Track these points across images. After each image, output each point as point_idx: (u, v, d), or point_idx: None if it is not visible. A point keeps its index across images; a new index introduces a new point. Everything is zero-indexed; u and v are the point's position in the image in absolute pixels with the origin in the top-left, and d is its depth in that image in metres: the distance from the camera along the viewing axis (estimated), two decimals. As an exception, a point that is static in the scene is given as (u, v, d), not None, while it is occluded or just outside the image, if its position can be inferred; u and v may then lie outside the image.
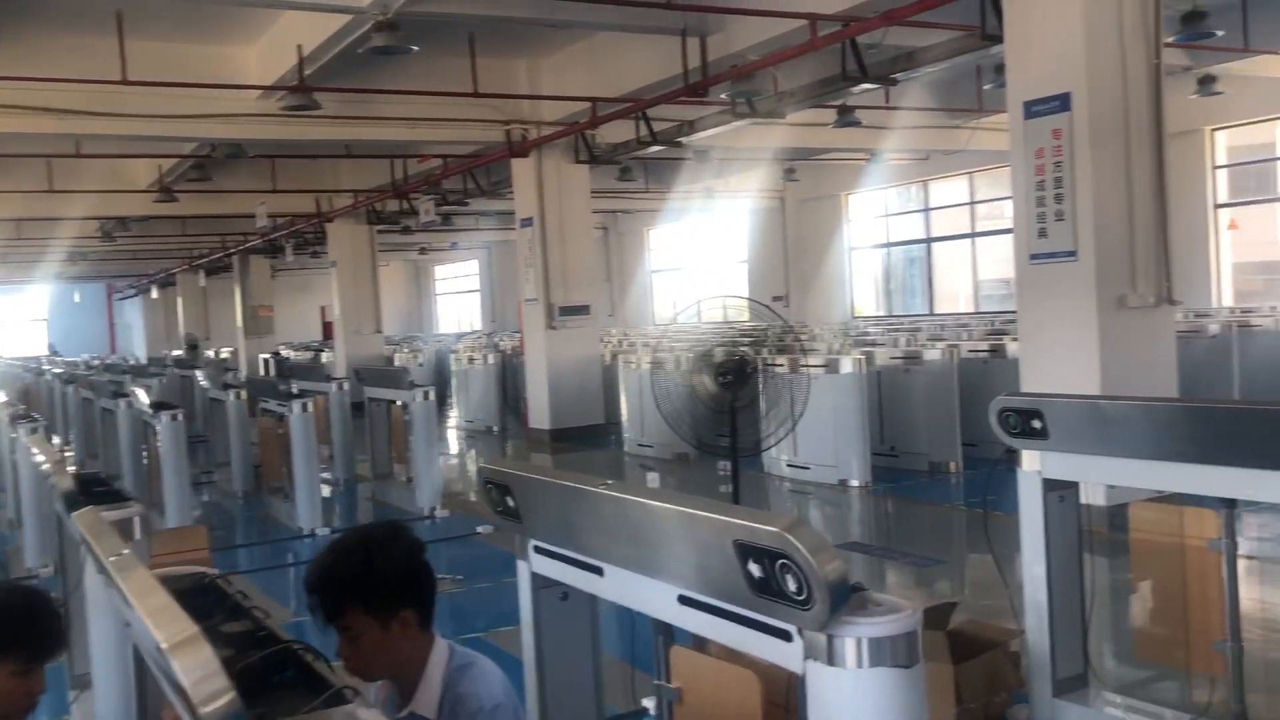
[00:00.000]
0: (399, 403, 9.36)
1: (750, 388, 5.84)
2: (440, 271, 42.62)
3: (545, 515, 2.75)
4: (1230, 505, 3.38)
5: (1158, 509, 3.60)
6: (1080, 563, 3.82)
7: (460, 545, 7.85)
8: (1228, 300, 16.96)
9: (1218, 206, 17.06)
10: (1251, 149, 17.38)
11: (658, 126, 12.33)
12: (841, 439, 9.20)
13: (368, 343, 19.80)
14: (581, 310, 13.42)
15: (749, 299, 7.55)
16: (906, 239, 23.60)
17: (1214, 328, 11.35)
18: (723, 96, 10.50)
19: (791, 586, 1.89)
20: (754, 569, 1.97)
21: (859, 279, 24.89)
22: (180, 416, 8.06)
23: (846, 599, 1.86)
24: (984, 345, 10.50)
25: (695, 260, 28.97)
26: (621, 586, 2.49)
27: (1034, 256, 7.27)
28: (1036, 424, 3.66)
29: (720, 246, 27.91)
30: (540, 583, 2.89)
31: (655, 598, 2.34)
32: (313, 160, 17.88)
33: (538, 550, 2.87)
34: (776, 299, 25.53)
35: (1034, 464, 3.75)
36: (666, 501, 2.19)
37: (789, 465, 9.70)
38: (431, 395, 8.90)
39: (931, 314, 22.24)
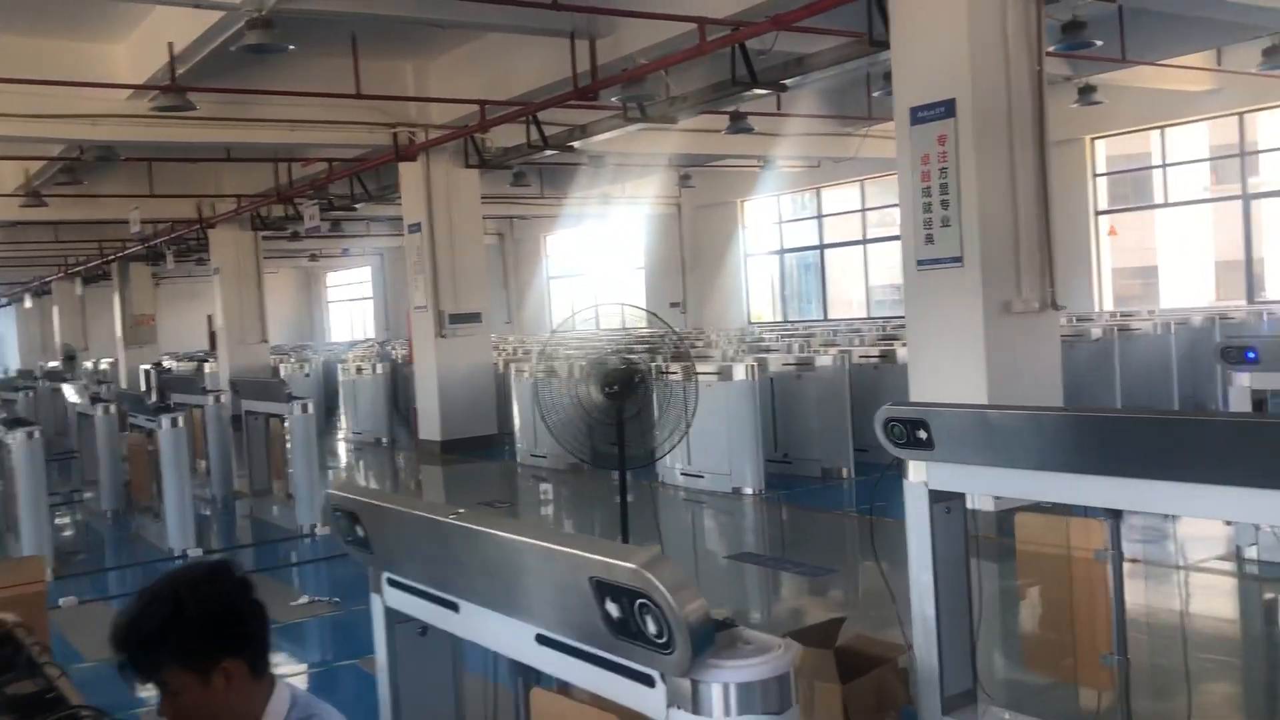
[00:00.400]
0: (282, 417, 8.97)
1: (638, 398, 5.66)
2: (332, 279, 41.67)
3: (396, 546, 2.53)
4: (1116, 516, 3.32)
5: (1044, 519, 3.54)
6: (968, 576, 3.73)
7: (342, 564, 7.51)
8: (1108, 304, 17.45)
9: (1098, 213, 17.53)
10: (1129, 158, 17.94)
11: (549, 130, 12.13)
12: (735, 446, 9.11)
13: (253, 353, 19.14)
14: (473, 318, 13.13)
15: (632, 305, 7.39)
16: (801, 245, 23.80)
17: (1096, 332, 11.57)
18: (613, 101, 10.34)
19: (651, 628, 1.72)
20: (612, 609, 1.79)
21: (756, 285, 25.02)
22: (37, 434, 7.56)
23: (710, 641, 1.69)
24: (875, 351, 10.54)
25: (593, 267, 28.81)
26: (477, 624, 2.29)
27: (921, 263, 7.28)
28: (922, 434, 3.56)
29: (618, 253, 27.80)
30: (395, 618, 2.68)
31: (512, 637, 2.15)
32: (192, 164, 17.18)
33: (391, 583, 2.66)
34: (674, 305, 25.52)
35: (920, 475, 3.65)
36: (521, 534, 2.00)
37: (683, 474, 9.57)
38: (311, 408, 8.55)
39: (826, 320, 22.45)
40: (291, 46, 8.66)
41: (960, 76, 6.95)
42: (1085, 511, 3.41)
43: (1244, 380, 5.96)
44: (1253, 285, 16.18)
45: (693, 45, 8.82)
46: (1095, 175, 17.57)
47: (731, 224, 24.52)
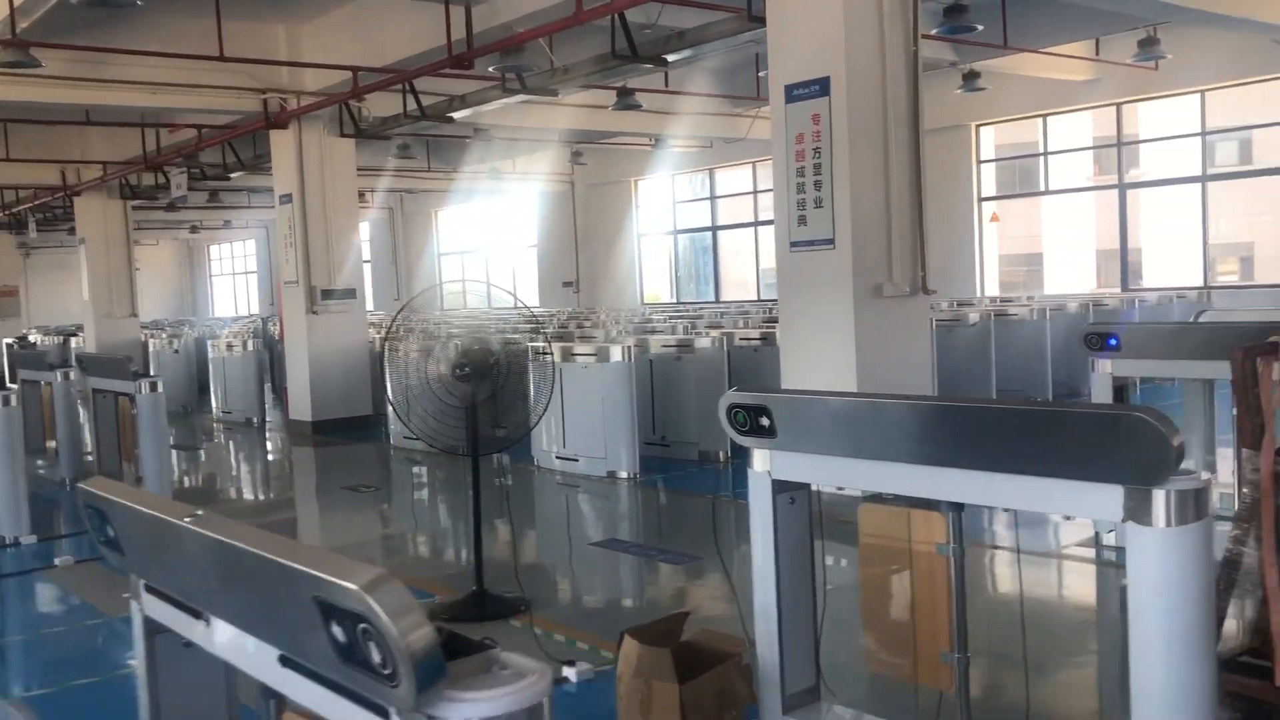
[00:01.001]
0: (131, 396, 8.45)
1: (493, 380, 5.40)
2: (216, 252, 40.28)
3: (147, 550, 2.24)
4: (958, 509, 3.19)
5: (886, 511, 3.39)
6: (812, 570, 3.58)
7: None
8: (993, 291, 17.71)
9: (982, 200, 17.77)
10: (1019, 146, 18.19)
11: (429, 100, 11.73)
12: (610, 430, 8.91)
13: (122, 327, 18.29)
14: (347, 294, 12.67)
15: (497, 286, 7.12)
16: (695, 226, 23.71)
17: (974, 317, 11.66)
18: (490, 70, 9.99)
19: (376, 657, 1.47)
20: (338, 632, 1.54)
21: (651, 266, 24.87)
22: None
23: (439, 674, 1.45)
24: (755, 334, 10.42)
25: (485, 243, 28.33)
26: (225, 640, 2.02)
27: (794, 244, 7.15)
28: (764, 421, 3.38)
29: (511, 230, 27.37)
30: (154, 627, 2.39)
31: (257, 656, 1.88)
32: (50, 126, 16.24)
33: (150, 589, 2.36)
34: (566, 285, 25.25)
35: (764, 464, 3.48)
36: (250, 543, 1.73)
37: (559, 458, 9.34)
38: (160, 386, 8.07)
39: (718, 301, 22.41)
40: (140, 2, 8.12)
41: (835, 55, 6.81)
42: (930, 505, 3.28)
43: (1106, 367, 5.95)
44: (1128, 273, 16.58)
45: (569, 15, 8.52)
46: (980, 162, 17.80)
47: (625, 203, 24.31)
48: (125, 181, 17.83)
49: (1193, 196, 15.74)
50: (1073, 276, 19.00)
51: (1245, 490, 3.50)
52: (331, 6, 11.76)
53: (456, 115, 11.82)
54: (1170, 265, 16.92)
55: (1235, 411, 3.60)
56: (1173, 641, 2.55)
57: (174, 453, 11.11)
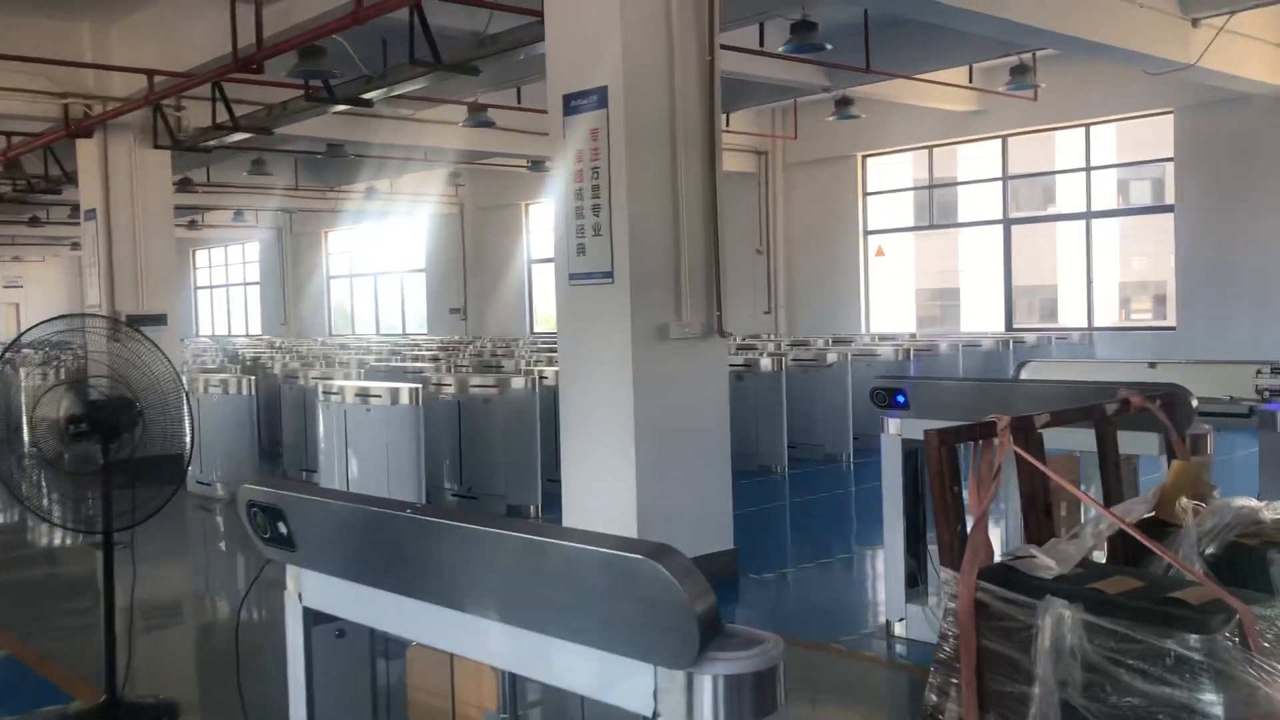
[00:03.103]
0: None
1: (133, 439, 4.40)
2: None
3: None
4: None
5: (433, 659, 2.45)
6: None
7: None
8: (878, 327, 17.02)
9: (868, 233, 17.11)
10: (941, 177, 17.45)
11: (243, 110, 10.70)
12: (395, 478, 7.89)
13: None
14: (156, 320, 11.49)
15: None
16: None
17: (766, 363, 10.76)
18: (284, 76, 8.98)
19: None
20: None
21: (543, 293, 23.90)
22: None
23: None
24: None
25: (372, 267, 27.19)
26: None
27: (573, 276, 6.23)
28: (283, 528, 2.42)
29: (400, 253, 26.27)
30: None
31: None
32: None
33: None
34: (454, 311, 24.21)
35: (294, 585, 2.51)
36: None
37: (344, 510, 8.30)
38: None
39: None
40: None
41: (612, 60, 5.93)
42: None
43: (895, 427, 5.11)
44: (1012, 311, 15.99)
45: (348, 13, 7.58)
46: (866, 194, 17.14)
47: (516, 228, 23.35)
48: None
49: (1110, 233, 15.26)
50: (988, 313, 18.28)
51: (944, 624, 2.61)
52: (137, 6, 10.71)
53: (276, 128, 10.80)
54: (1078, 303, 16.12)
55: (935, 517, 2.72)
56: None
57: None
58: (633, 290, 5.94)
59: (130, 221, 11.38)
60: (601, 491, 6.14)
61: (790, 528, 8.52)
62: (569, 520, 6.34)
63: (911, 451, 5.09)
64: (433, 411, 9.16)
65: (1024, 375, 6.02)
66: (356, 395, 8.20)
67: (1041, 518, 2.87)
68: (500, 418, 8.59)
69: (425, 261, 25.01)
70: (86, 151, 11.39)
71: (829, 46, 9.54)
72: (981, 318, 16.94)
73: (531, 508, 8.35)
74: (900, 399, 5.01)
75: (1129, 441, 3.65)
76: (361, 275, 27.69)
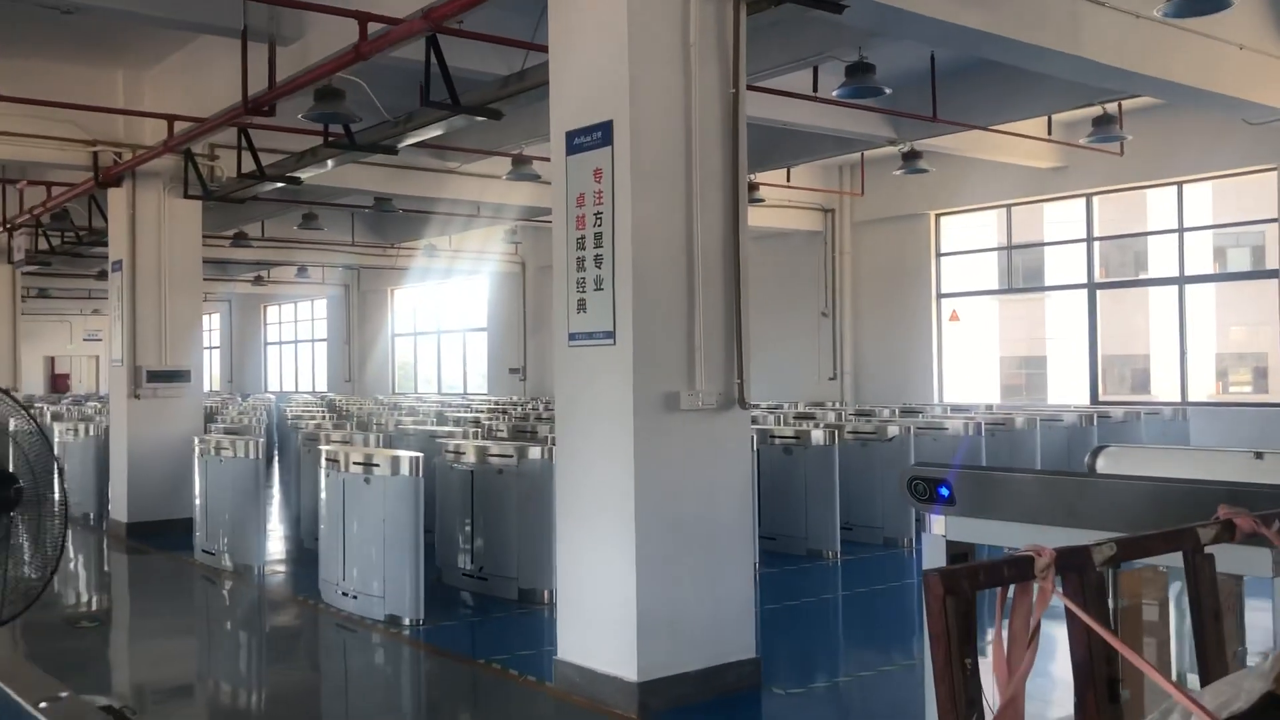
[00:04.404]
0: None
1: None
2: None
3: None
4: None
5: None
6: None
7: None
8: (954, 396, 15.92)
9: (941, 296, 16.09)
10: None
11: (270, 159, 10.24)
12: (390, 561, 7.13)
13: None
14: (179, 376, 11.01)
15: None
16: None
17: (892, 429, 9.91)
18: (299, 118, 8.42)
19: None
20: None
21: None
22: None
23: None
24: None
25: (436, 325, 26.82)
26: None
27: (573, 336, 5.45)
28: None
29: (463, 312, 25.87)
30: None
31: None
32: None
33: None
34: (513, 371, 23.63)
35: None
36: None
37: (342, 593, 7.55)
38: None
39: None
40: None
41: (618, 91, 5.19)
42: None
43: (939, 526, 4.18)
44: (1098, 382, 14.77)
45: (349, 50, 6.98)
46: (939, 255, 16.15)
47: (577, 287, 22.73)
48: (33, 247, 16.30)
49: (1206, 300, 14.06)
50: (1077, 382, 16.97)
51: None
52: (168, 51, 10.36)
53: (304, 177, 10.30)
54: (1171, 374, 14.77)
55: (937, 698, 1.84)
56: None
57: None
58: (635, 352, 5.13)
59: (156, 274, 10.94)
60: (598, 587, 5.29)
61: (833, 628, 7.52)
62: (563, 619, 5.49)
63: (960, 557, 4.16)
64: (447, 482, 8.46)
65: (1101, 464, 5.02)
66: (357, 464, 7.49)
67: (1103, 699, 1.97)
68: (514, 490, 7.81)
69: (486, 320, 24.54)
70: (116, 201, 11.03)
71: (888, 90, 8.70)
72: (1070, 387, 15.73)
73: (546, 593, 7.51)
74: (944, 492, 4.09)
75: (1230, 557, 2.74)
76: (425, 334, 27.35)
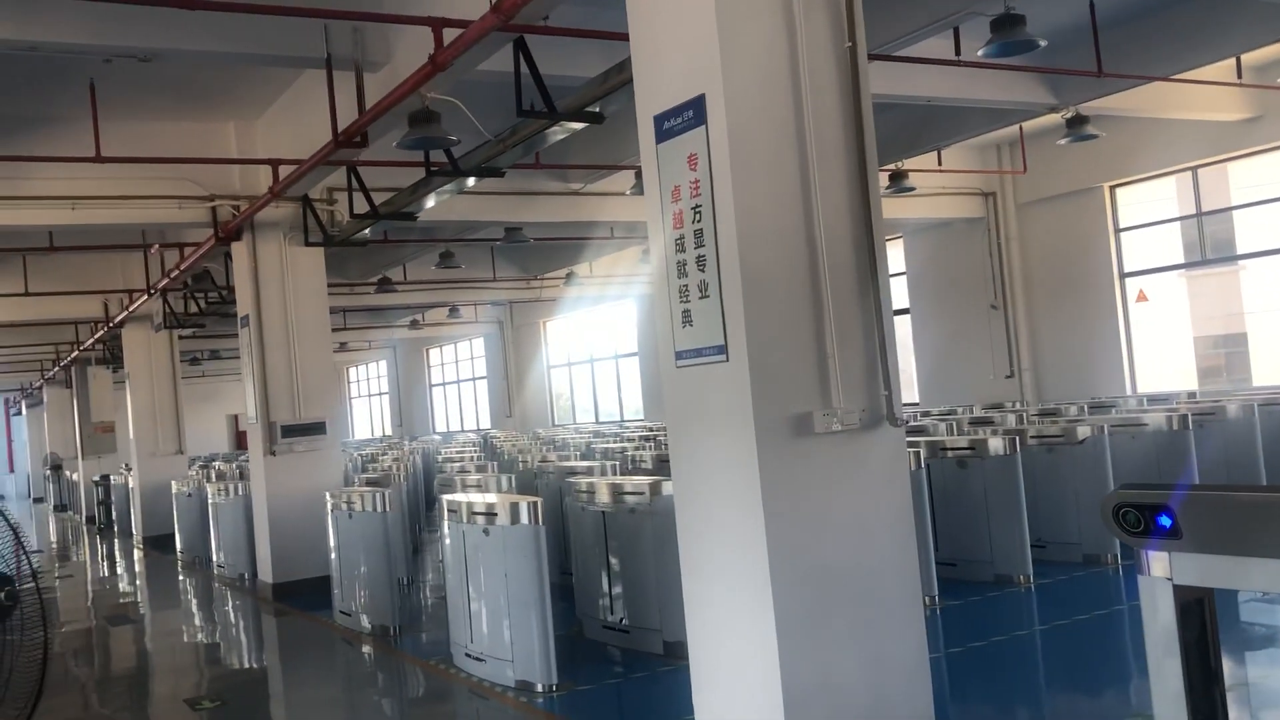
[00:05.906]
0: None
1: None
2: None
3: None
4: None
5: None
6: None
7: None
8: (1147, 386, 14.32)
9: (1124, 275, 14.51)
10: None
11: (381, 197, 9.83)
12: (517, 620, 6.42)
13: (166, 466, 17.00)
14: (314, 429, 10.69)
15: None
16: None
17: (1083, 431, 8.67)
18: (394, 146, 7.88)
19: None
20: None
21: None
22: None
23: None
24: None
25: (589, 354, 26.39)
26: None
27: (680, 355, 4.61)
28: None
29: (614, 338, 25.36)
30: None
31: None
32: (91, 254, 15.18)
33: None
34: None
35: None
36: None
37: (468, 655, 6.90)
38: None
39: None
40: None
41: (709, 59, 4.34)
42: None
43: (1160, 567, 3.14)
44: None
45: (425, 63, 6.36)
46: (1118, 230, 14.58)
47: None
48: (169, 310, 16.62)
49: None
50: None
51: None
52: (274, 96, 10.10)
53: (416, 212, 9.83)
54: None
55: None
56: None
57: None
58: (753, 367, 4.25)
59: (283, 325, 10.68)
60: (735, 650, 4.41)
61: (1032, 673, 6.36)
62: (698, 689, 4.63)
63: (1194, 604, 3.11)
64: (580, 524, 7.74)
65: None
66: (477, 513, 6.82)
67: None
68: (649, 531, 7.00)
69: (637, 345, 23.93)
70: (239, 255, 10.83)
71: (1043, 43, 7.55)
72: (1277, 365, 13.93)
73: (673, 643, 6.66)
74: (1165, 522, 3.04)
75: None
76: (579, 363, 26.97)
